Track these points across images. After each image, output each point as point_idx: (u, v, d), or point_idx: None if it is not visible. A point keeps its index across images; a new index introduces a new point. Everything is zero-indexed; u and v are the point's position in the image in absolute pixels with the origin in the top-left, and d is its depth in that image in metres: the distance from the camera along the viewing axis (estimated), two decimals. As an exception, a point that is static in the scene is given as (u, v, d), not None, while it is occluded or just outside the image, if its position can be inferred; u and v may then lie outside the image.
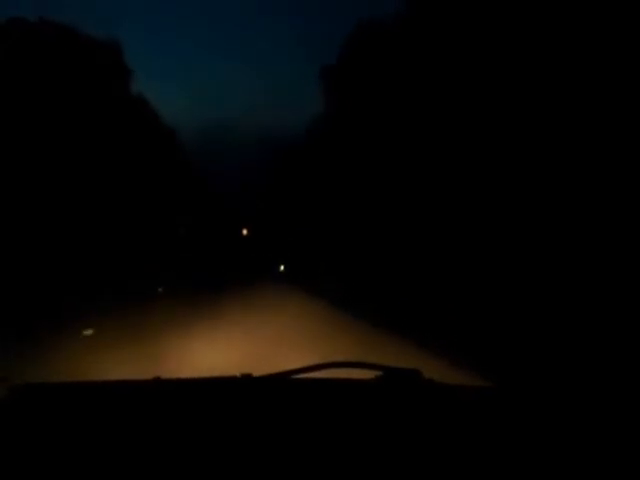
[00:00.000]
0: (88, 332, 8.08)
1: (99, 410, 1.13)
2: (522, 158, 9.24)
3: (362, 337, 7.30)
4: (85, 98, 19.08)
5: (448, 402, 1.25)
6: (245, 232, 47.76)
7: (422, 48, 13.20)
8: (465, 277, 9.78)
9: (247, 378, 1.30)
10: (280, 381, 1.33)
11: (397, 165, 13.90)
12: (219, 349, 6.90)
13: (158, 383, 1.30)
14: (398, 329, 7.55)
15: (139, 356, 6.06)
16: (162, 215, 23.04)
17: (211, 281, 14.29)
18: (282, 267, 21.98)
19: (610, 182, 7.54)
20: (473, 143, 10.83)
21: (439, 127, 12.02)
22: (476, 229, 10.32)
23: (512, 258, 8.88)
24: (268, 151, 30.29)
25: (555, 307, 7.23)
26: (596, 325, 6.24)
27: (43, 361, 5.61)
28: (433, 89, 12.55)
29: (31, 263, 12.34)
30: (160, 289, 12.18)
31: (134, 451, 0.93)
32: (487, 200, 10.13)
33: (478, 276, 9.45)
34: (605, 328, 6.08)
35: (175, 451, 0.93)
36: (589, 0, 8.31)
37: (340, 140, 17.85)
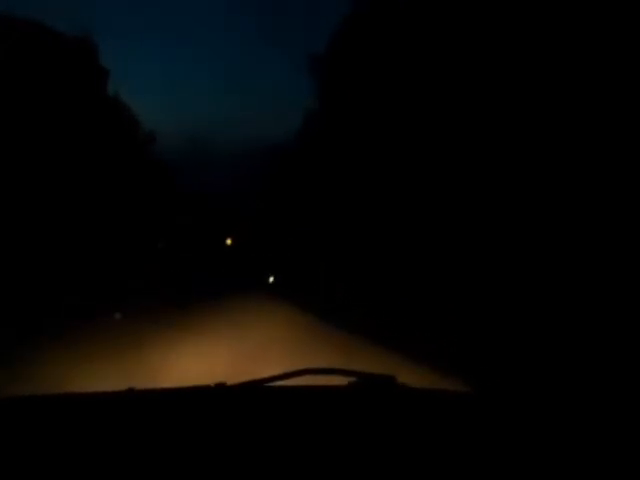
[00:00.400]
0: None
1: (70, 423, 1.12)
2: (522, 149, 9.11)
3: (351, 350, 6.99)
4: (56, 97, 17.77)
5: (422, 407, 1.27)
6: (229, 242, 46.46)
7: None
8: (463, 282, 9.73)
9: (221, 387, 1.28)
10: (254, 389, 1.32)
11: (396, 162, 13.37)
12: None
13: (131, 394, 1.27)
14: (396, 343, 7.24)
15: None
16: (140, 227, 21.78)
17: (190, 297, 12.89)
18: (272, 278, 20.73)
19: (610, 182, 7.52)
20: (475, 141, 10.46)
21: (440, 122, 11.54)
22: (475, 231, 10.16)
23: (510, 260, 8.83)
24: (257, 156, 29.54)
25: (552, 310, 7.24)
26: (589, 334, 6.19)
27: None
28: (433, 78, 11.98)
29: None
30: (118, 315, 9.09)
31: (107, 464, 0.92)
32: (485, 200, 9.96)
33: (476, 280, 9.42)
34: (598, 338, 6.00)
35: (148, 463, 0.92)
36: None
37: (336, 136, 17.03)
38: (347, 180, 15.94)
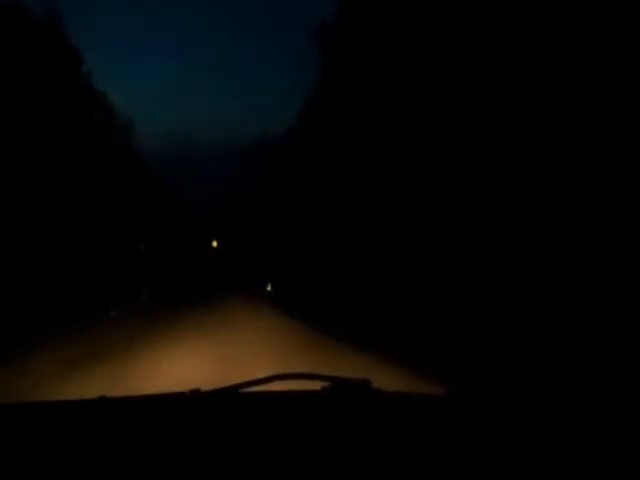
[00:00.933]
0: None
1: (41, 431, 1.10)
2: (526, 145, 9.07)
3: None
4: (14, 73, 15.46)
5: (396, 411, 1.26)
6: (215, 244, 43.93)
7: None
8: (464, 281, 9.72)
9: (195, 394, 1.25)
10: (229, 396, 1.29)
11: (397, 157, 13.16)
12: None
13: (103, 402, 1.25)
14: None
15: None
16: (118, 227, 19.59)
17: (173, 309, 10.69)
18: (270, 287, 18.54)
19: (610, 182, 7.57)
20: (476, 137, 10.27)
21: (444, 118, 11.33)
22: (476, 228, 10.04)
23: (510, 260, 8.78)
24: (249, 155, 27.95)
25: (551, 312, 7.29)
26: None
27: None
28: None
29: None
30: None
31: (76, 474, 0.91)
32: (485, 197, 9.88)
33: (476, 279, 9.42)
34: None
35: (119, 472, 0.91)
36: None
37: (337, 125, 16.40)
38: (346, 176, 15.62)
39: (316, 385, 1.28)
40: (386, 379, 1.56)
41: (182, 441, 1.03)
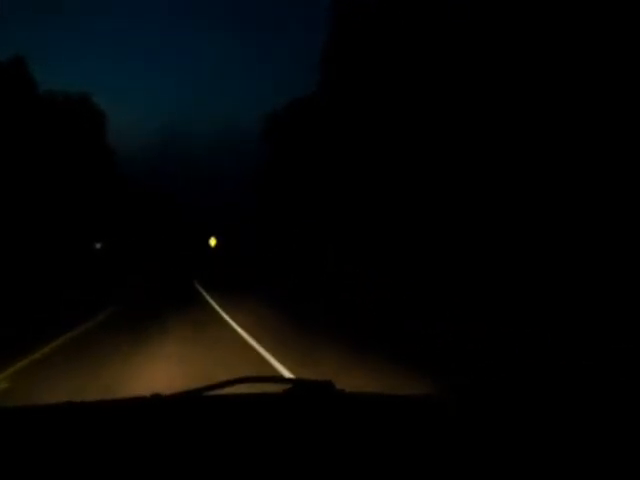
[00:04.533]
0: None
1: (6, 437, 1.10)
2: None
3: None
4: None
5: (359, 412, 1.24)
6: (213, 242, 41.89)
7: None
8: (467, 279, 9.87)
9: (156, 398, 1.24)
10: (191, 399, 1.28)
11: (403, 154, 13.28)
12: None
13: (69, 407, 1.25)
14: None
15: None
16: (70, 221, 17.92)
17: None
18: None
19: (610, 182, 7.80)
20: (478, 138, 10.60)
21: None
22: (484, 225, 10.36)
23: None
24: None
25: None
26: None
27: None
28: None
29: None
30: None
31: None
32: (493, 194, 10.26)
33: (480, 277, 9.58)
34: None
35: (81, 477, 0.91)
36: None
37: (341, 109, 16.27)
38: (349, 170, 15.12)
39: (278, 388, 1.28)
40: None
41: (143, 446, 1.01)
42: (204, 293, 16.48)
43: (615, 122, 8.02)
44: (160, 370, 5.50)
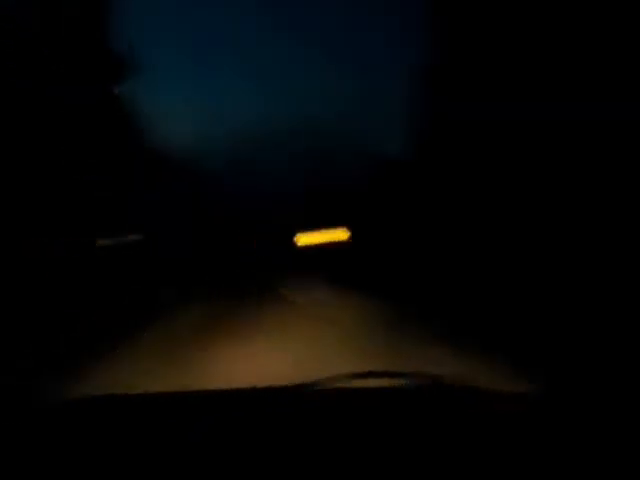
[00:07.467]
0: None
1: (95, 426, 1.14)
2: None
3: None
4: None
5: (471, 411, 1.19)
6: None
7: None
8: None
9: (256, 391, 1.28)
10: (297, 394, 1.29)
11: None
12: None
13: (175, 395, 1.29)
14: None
15: None
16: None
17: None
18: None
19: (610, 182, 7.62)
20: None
21: None
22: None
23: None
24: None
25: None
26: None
27: None
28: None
29: None
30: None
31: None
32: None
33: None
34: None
35: (179, 468, 0.93)
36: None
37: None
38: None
39: (381, 383, 1.26)
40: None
41: (248, 438, 1.03)
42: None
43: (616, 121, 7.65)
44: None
